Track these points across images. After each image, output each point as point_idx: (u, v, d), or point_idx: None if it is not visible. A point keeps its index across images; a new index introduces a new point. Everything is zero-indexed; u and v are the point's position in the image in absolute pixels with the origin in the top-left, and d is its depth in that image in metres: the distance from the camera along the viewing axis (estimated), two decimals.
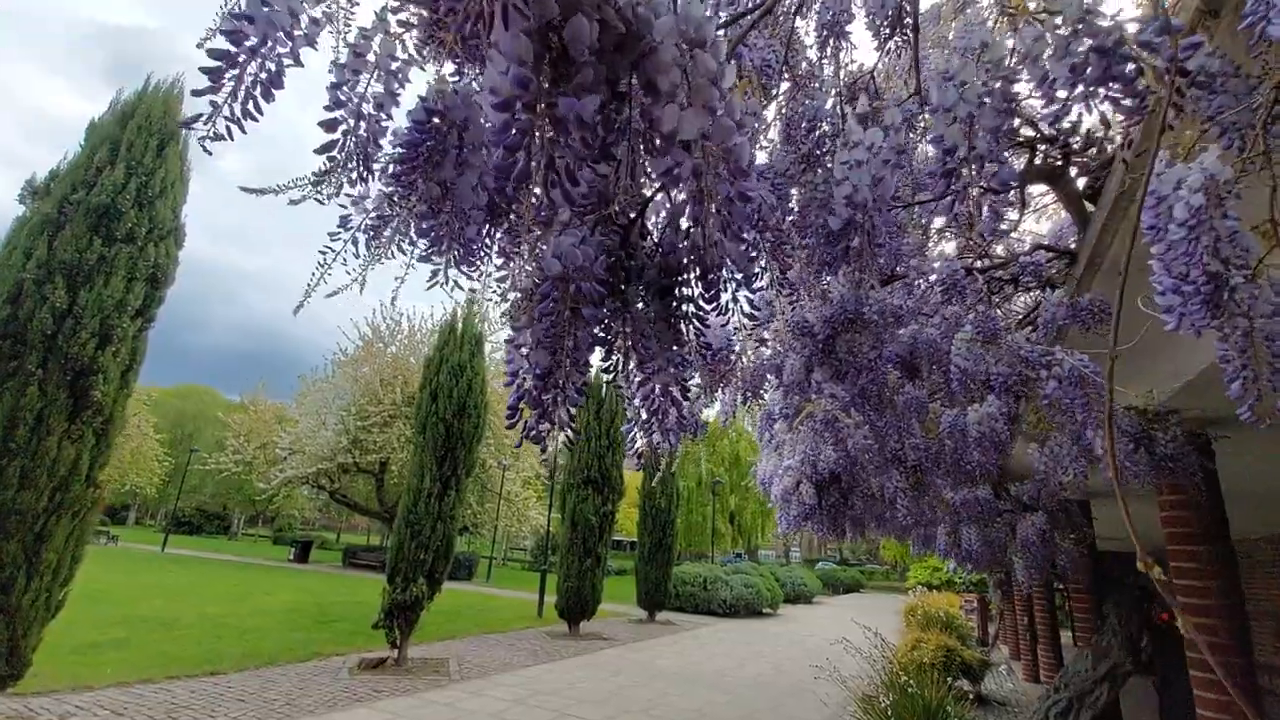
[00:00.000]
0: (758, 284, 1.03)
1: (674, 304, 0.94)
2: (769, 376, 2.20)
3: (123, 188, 5.90)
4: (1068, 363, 1.72)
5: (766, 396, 2.39)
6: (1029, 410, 2.69)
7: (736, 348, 1.95)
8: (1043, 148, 2.38)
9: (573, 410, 0.85)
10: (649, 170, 0.84)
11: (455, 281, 0.89)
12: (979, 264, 2.47)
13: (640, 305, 0.95)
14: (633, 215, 0.91)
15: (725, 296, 0.96)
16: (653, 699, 8.46)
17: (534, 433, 0.79)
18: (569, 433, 0.82)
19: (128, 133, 6.13)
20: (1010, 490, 4.48)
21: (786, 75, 1.79)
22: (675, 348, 0.94)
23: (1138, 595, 5.34)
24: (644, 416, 0.93)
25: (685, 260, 0.92)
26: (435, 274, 0.81)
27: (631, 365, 0.92)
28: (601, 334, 0.88)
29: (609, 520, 14.12)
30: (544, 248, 0.72)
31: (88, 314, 5.48)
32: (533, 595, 18.19)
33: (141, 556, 25.03)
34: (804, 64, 1.88)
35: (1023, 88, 1.15)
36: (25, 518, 5.01)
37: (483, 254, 0.84)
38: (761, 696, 9.18)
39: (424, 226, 0.77)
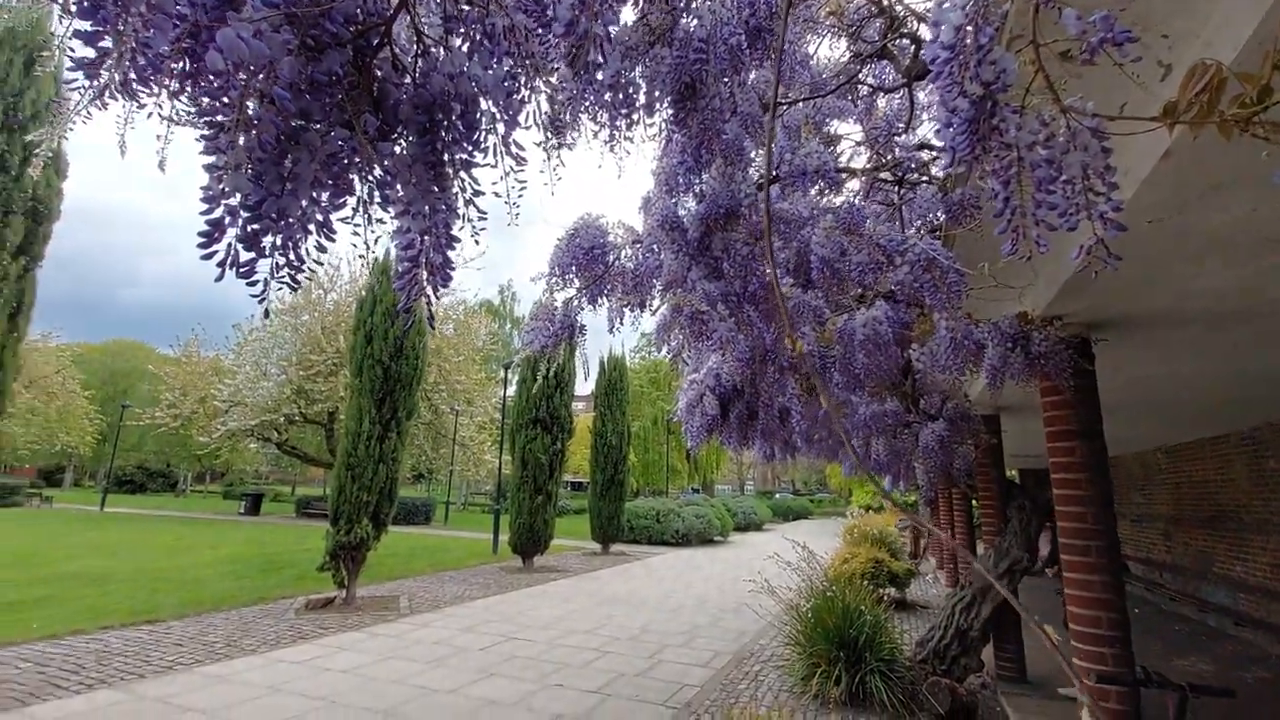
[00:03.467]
0: (526, 126, 0.96)
1: (434, 145, 0.87)
2: (654, 282, 2.16)
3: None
4: (919, 247, 1.74)
5: (655, 306, 2.37)
6: (917, 319, 2.76)
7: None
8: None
9: (307, 251, 0.78)
10: None
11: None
12: (865, 165, 2.46)
13: (397, 145, 0.87)
14: (369, 34, 0.82)
15: (493, 139, 0.90)
16: (599, 621, 8.80)
17: (243, 266, 0.72)
18: (293, 273, 0.75)
19: None
20: (919, 404, 4.67)
21: None
22: (437, 192, 0.87)
23: (1043, 504, 5.74)
24: (403, 264, 0.87)
25: (442, 94, 0.84)
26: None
27: (385, 210, 0.85)
28: (334, 167, 0.80)
29: (559, 458, 14.27)
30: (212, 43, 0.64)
31: None
32: (490, 536, 18.46)
33: (76, 517, 24.15)
34: None
35: None
36: None
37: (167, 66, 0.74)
38: (703, 613, 9.66)
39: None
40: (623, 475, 17.32)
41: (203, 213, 0.68)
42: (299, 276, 0.77)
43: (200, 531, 19.79)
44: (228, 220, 0.70)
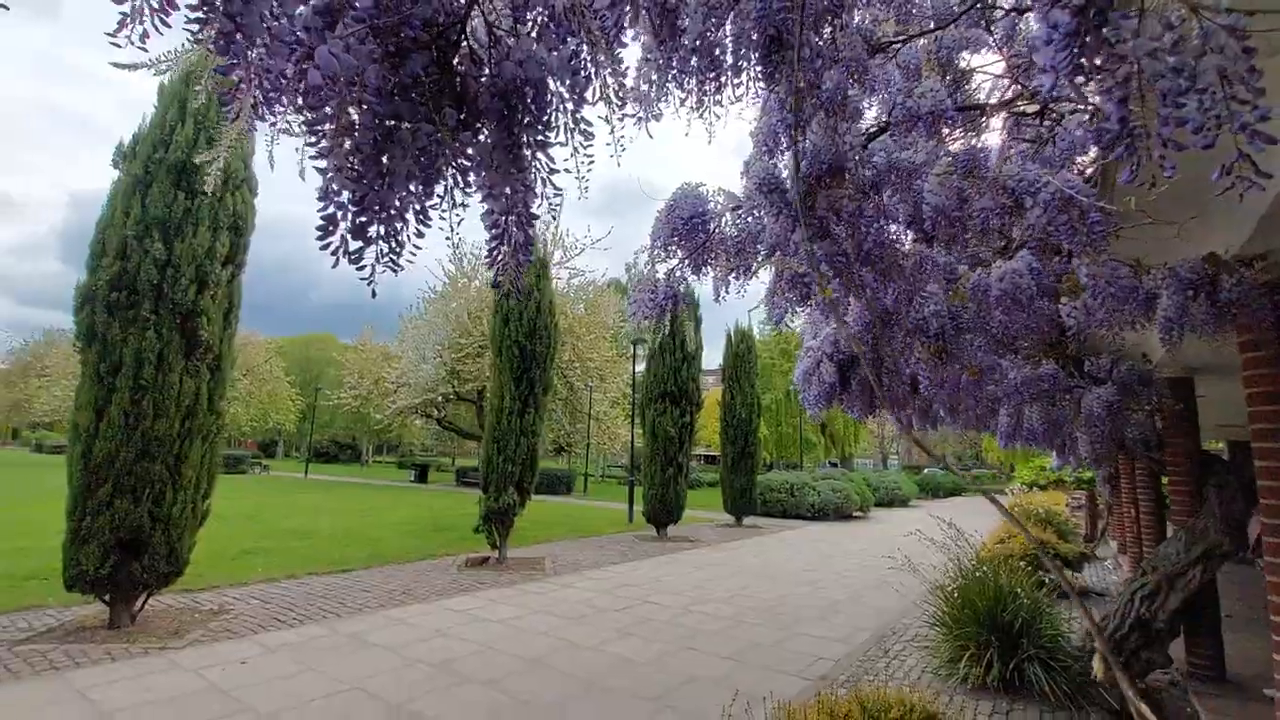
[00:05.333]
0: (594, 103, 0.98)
1: (511, 130, 0.93)
2: (756, 248, 2.10)
3: (194, 143, 6.34)
4: (1052, 185, 1.51)
5: (760, 273, 2.30)
6: (1070, 271, 2.42)
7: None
8: None
9: (407, 238, 0.88)
10: None
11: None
12: (999, 99, 2.17)
13: (481, 134, 0.94)
14: (447, 33, 0.89)
15: (564, 118, 0.94)
16: (733, 590, 8.89)
17: (352, 254, 0.83)
18: (394, 258, 0.85)
19: (191, 90, 6.51)
20: (1083, 366, 4.14)
21: None
22: (515, 174, 0.93)
23: (1250, 481, 4.88)
24: (491, 244, 0.94)
25: (513, 80, 0.90)
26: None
27: (473, 194, 0.93)
28: (424, 160, 0.88)
29: (688, 431, 14.46)
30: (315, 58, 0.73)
31: (184, 262, 6.08)
32: (625, 506, 19.23)
33: (288, 482, 28.66)
34: None
35: None
36: (164, 442, 5.85)
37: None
38: (842, 588, 9.40)
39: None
40: (753, 448, 17.16)
41: (319, 210, 0.80)
42: (400, 260, 0.87)
43: (379, 496, 22.66)
44: (339, 215, 0.81)
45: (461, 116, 0.93)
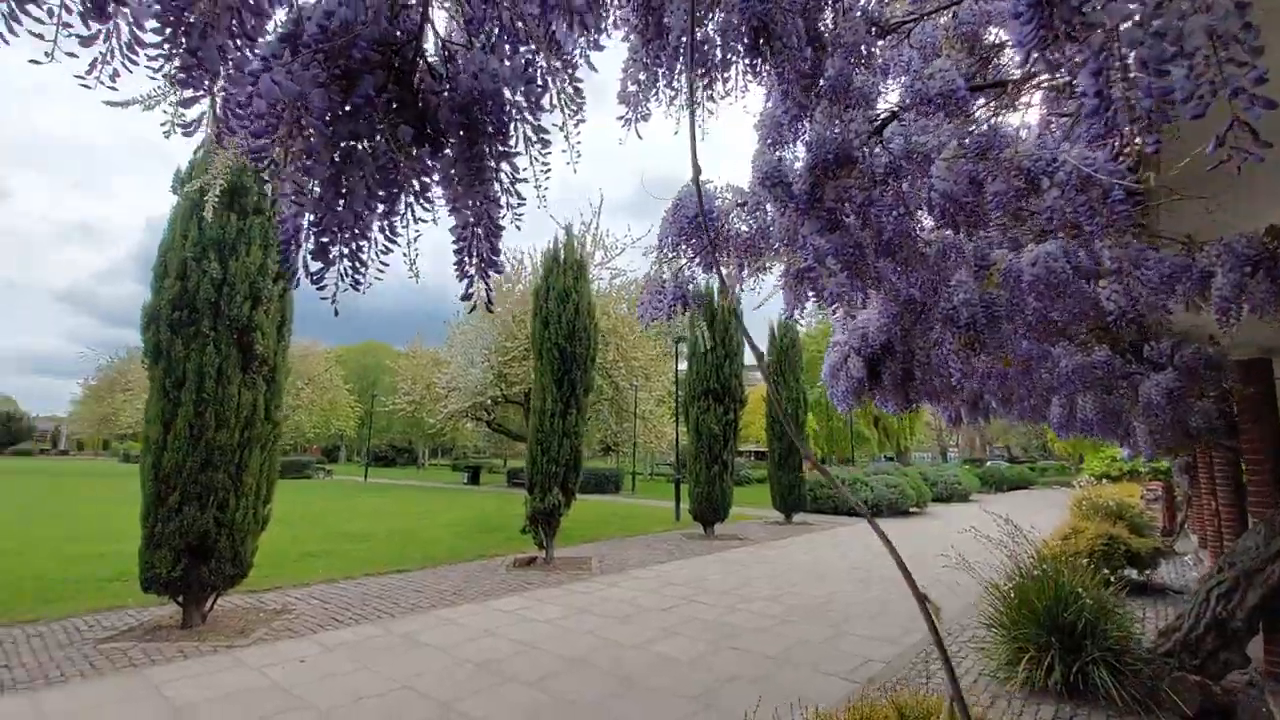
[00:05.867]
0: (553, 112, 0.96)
1: (473, 143, 0.93)
2: (764, 243, 2.05)
3: (243, 165, 6.66)
4: (1070, 163, 1.40)
5: (778, 268, 2.24)
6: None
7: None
8: None
9: (372, 256, 0.90)
10: None
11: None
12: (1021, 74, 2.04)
13: (445, 149, 0.95)
14: (407, 53, 0.90)
15: (524, 128, 0.93)
16: (780, 589, 8.76)
17: (314, 275, 0.85)
18: (358, 276, 0.87)
19: None
20: (1140, 351, 3.88)
21: None
22: (479, 185, 0.93)
23: None
24: (456, 253, 0.95)
25: (469, 93, 0.90)
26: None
27: (430, 209, 0.94)
28: (385, 178, 0.89)
29: (732, 428, 14.32)
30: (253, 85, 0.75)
31: (239, 280, 6.41)
32: (673, 505, 19.21)
33: (350, 486, 29.86)
34: None
35: None
36: (225, 452, 6.18)
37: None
38: (895, 587, 9.12)
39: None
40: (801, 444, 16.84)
41: (279, 234, 0.82)
42: (365, 278, 0.88)
43: (434, 498, 23.34)
44: (299, 235, 0.83)
45: (428, 132, 0.93)
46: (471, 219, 0.93)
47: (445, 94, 0.91)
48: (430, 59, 0.92)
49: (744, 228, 2.05)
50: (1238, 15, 0.65)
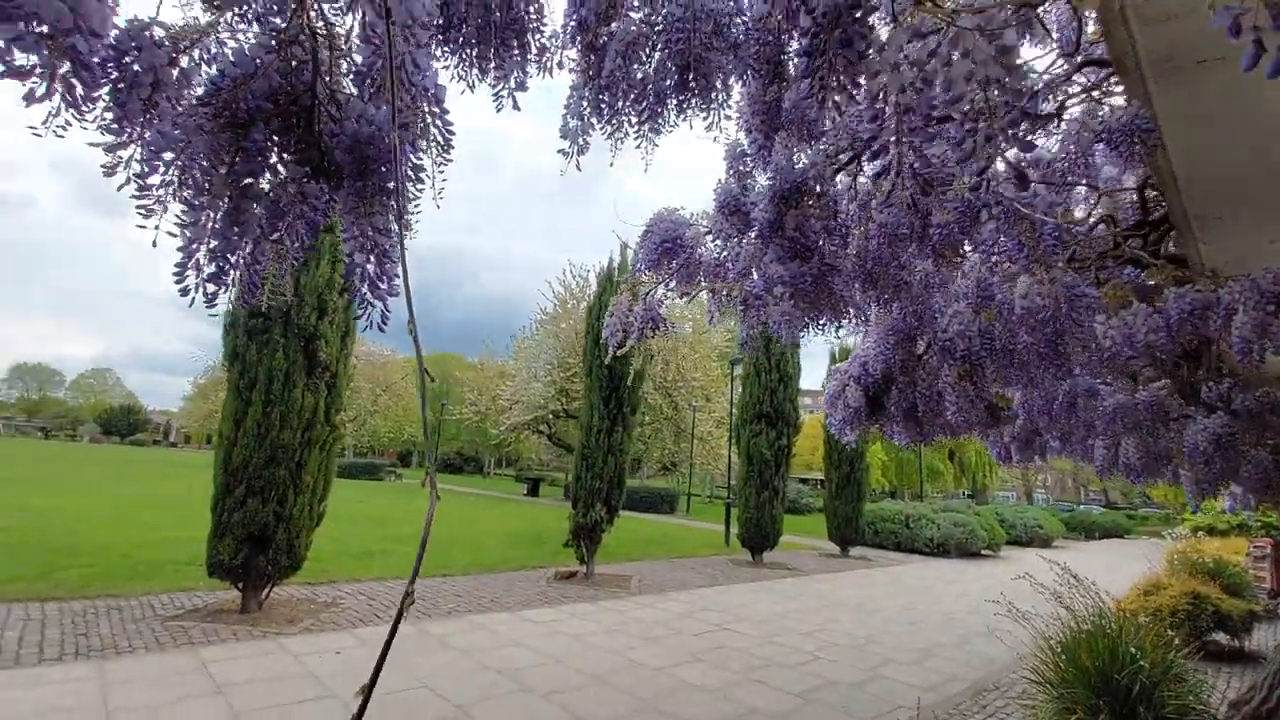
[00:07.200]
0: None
1: (364, 178, 1.04)
2: (732, 268, 2.06)
3: None
4: (998, 194, 1.34)
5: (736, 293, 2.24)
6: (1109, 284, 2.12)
7: None
8: None
9: (262, 279, 1.01)
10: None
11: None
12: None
13: (342, 184, 1.06)
14: (304, 101, 1.02)
15: (405, 169, 1.03)
16: (820, 624, 8.45)
17: (209, 298, 0.97)
18: (249, 298, 0.98)
19: None
20: (1197, 391, 3.56)
21: None
22: (367, 216, 1.04)
23: None
24: (346, 277, 1.05)
25: (353, 136, 1.01)
26: None
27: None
28: (279, 211, 1.01)
29: (784, 454, 14.01)
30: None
31: (307, 292, 6.94)
32: (724, 528, 18.90)
33: (417, 490, 31.13)
34: None
35: None
36: (287, 450, 6.67)
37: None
38: (947, 632, 8.61)
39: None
40: (860, 474, 16.26)
41: (177, 264, 0.95)
42: (256, 295, 1.00)
43: (492, 507, 23.99)
44: (197, 260, 0.96)
45: (330, 168, 1.05)
46: (363, 245, 1.04)
47: (338, 138, 1.03)
48: (327, 108, 1.04)
49: (714, 253, 2.08)
50: (1000, 58, 0.66)
